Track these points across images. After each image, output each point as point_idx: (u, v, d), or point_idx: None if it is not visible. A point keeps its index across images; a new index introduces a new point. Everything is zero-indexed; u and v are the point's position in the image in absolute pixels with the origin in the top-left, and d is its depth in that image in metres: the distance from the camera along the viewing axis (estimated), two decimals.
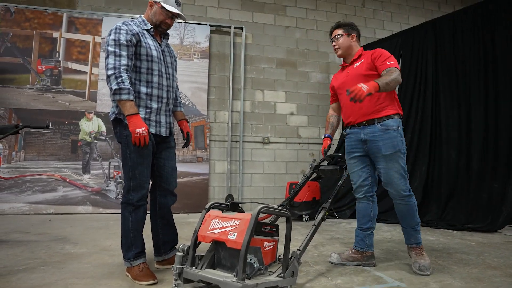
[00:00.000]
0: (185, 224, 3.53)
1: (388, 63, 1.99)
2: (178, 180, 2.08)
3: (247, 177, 4.80)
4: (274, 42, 5.08)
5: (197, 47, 4.69)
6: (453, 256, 2.32)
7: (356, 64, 2.14)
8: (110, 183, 4.27)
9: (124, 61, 1.69)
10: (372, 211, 2.14)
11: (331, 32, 2.26)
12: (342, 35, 2.18)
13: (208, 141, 4.64)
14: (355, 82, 2.07)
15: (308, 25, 5.25)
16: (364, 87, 1.76)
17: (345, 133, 2.23)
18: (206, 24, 4.73)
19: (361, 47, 2.24)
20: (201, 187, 4.53)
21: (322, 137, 2.44)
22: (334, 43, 2.22)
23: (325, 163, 2.49)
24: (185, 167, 4.51)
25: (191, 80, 4.63)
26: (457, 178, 3.60)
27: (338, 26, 2.23)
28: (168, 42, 2.04)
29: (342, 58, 2.29)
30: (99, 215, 4.03)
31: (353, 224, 3.69)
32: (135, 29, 1.78)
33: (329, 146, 2.36)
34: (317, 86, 5.21)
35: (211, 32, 4.78)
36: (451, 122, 3.72)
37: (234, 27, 4.85)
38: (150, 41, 1.84)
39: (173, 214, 2.05)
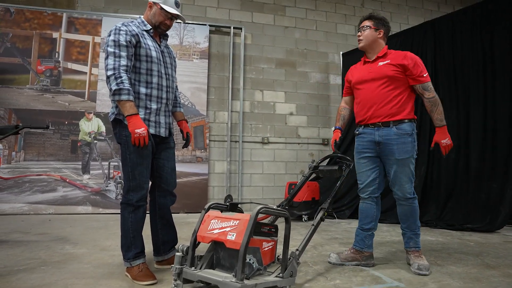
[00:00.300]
0: (184, 224, 3.54)
1: (424, 75, 2.03)
2: (177, 180, 2.08)
3: (246, 177, 4.81)
4: (274, 42, 5.09)
5: (196, 47, 4.69)
6: (452, 256, 2.33)
7: (381, 63, 2.09)
8: (109, 183, 4.28)
9: (123, 61, 1.70)
10: (375, 212, 2.15)
11: (361, 22, 2.20)
12: (370, 27, 2.12)
13: (207, 141, 4.65)
14: (378, 82, 2.06)
15: (308, 25, 5.25)
16: (448, 141, 2.04)
17: (357, 132, 2.21)
18: (205, 24, 4.74)
19: (386, 44, 2.18)
20: (200, 187, 4.53)
21: (332, 129, 2.38)
22: (359, 33, 2.16)
23: (324, 163, 2.49)
24: (185, 167, 4.52)
25: (190, 80, 4.64)
26: (456, 178, 3.61)
27: (369, 17, 2.17)
28: (168, 42, 2.05)
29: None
30: (99, 215, 4.04)
31: (352, 224, 3.70)
32: (134, 30, 1.78)
33: (341, 139, 2.33)
34: (317, 86, 5.22)
35: (211, 32, 4.79)
36: (450, 122, 3.69)
37: (234, 27, 4.85)
38: (149, 42, 1.85)
39: (172, 214, 2.06)
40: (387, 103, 2.04)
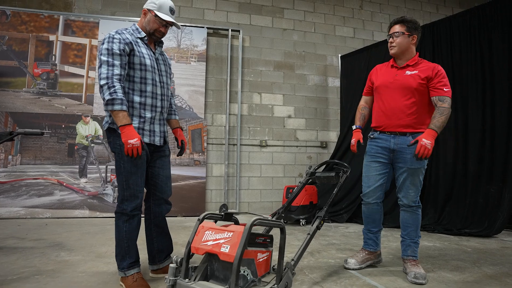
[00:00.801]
0: (181, 228, 3.53)
1: (445, 89, 1.98)
2: (175, 183, 2.08)
3: (244, 180, 4.79)
4: (272, 44, 5.07)
5: (194, 50, 4.67)
6: (449, 263, 2.31)
7: (409, 72, 2.04)
8: (107, 186, 4.26)
9: (117, 70, 1.68)
10: (381, 215, 2.22)
11: (391, 26, 2.10)
12: (403, 33, 2.03)
13: (205, 144, 4.63)
14: (402, 92, 2.02)
15: (306, 28, 5.23)
16: (428, 143, 1.84)
17: (371, 136, 2.20)
18: (203, 27, 4.72)
19: (417, 52, 2.12)
20: (198, 190, 4.52)
21: (354, 128, 2.30)
22: (391, 40, 2.07)
23: (320, 169, 2.47)
24: (182, 171, 4.50)
25: (188, 83, 4.62)
26: (454, 181, 3.60)
27: (401, 21, 2.06)
28: (165, 45, 2.04)
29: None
30: (96, 219, 4.02)
31: (350, 228, 3.69)
32: (128, 38, 1.76)
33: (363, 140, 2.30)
34: (315, 89, 5.20)
35: (208, 34, 4.77)
36: (448, 126, 3.71)
37: (232, 30, 4.83)
38: (143, 49, 1.83)
39: (170, 217, 2.05)
40: (408, 115, 2.02)
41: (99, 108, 4.33)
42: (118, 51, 1.69)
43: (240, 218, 1.72)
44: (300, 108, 5.11)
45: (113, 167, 4.25)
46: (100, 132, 4.32)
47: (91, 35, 4.41)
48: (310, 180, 2.37)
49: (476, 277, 2.02)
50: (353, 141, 2.26)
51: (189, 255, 1.53)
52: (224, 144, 4.74)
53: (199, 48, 4.70)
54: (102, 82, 1.64)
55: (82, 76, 4.36)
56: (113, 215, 4.02)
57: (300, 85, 5.14)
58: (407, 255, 2.07)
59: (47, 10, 4.39)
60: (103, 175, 4.28)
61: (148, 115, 1.82)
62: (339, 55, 5.16)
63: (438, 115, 1.96)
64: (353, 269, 2.13)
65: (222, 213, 1.72)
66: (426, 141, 1.86)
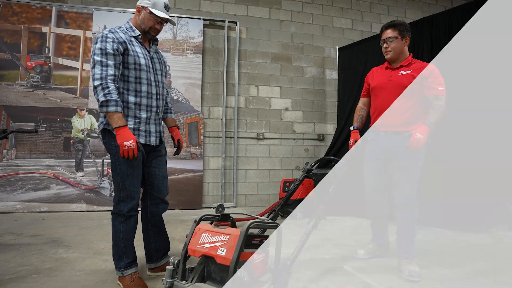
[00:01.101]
0: (179, 222, 3.54)
1: (439, 88, 2.00)
2: (172, 176, 2.08)
3: (241, 173, 4.80)
4: (269, 36, 5.00)
5: (190, 42, 4.60)
6: (443, 260, 2.34)
7: (402, 72, 2.08)
8: (103, 180, 4.25)
9: (111, 71, 1.65)
10: (385, 211, 2.33)
11: (383, 31, 2.15)
12: (396, 37, 2.08)
13: (202, 137, 4.62)
14: (396, 92, 2.07)
15: (304, 19, 5.16)
16: (421, 138, 1.89)
17: (369, 138, 2.26)
18: (199, 18, 4.63)
19: (410, 53, 2.17)
20: (195, 183, 4.52)
21: (351, 128, 2.37)
22: (386, 45, 2.12)
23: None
24: (179, 164, 4.49)
25: (184, 76, 4.57)
26: (450, 176, 3.61)
27: (393, 26, 2.10)
28: (161, 37, 2.01)
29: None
30: (93, 213, 4.02)
31: (346, 221, 3.72)
32: (122, 37, 1.72)
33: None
34: (312, 81, 5.17)
35: (205, 26, 4.69)
36: (445, 121, 3.71)
37: (228, 21, 4.75)
38: (138, 48, 1.79)
39: (167, 211, 2.06)
40: (401, 114, 2.06)
41: (94, 102, 4.28)
42: (111, 51, 1.66)
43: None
44: (297, 100, 5.08)
45: (110, 160, 4.23)
46: (96, 125, 4.29)
47: (85, 26, 4.32)
48: (307, 176, 2.38)
49: (470, 274, 2.05)
50: (351, 141, 2.31)
51: (185, 257, 1.54)
52: (221, 137, 4.73)
53: (196, 40, 4.62)
54: (96, 83, 1.61)
55: (77, 68, 4.29)
56: (110, 208, 4.05)
57: (297, 77, 5.10)
58: (402, 253, 2.09)
59: (39, 1, 4.28)
60: (100, 168, 4.26)
61: (144, 115, 1.79)
62: (337, 47, 5.10)
63: (433, 112, 2.00)
64: (362, 259, 2.32)
65: (219, 214, 1.72)
66: (420, 136, 1.92)
